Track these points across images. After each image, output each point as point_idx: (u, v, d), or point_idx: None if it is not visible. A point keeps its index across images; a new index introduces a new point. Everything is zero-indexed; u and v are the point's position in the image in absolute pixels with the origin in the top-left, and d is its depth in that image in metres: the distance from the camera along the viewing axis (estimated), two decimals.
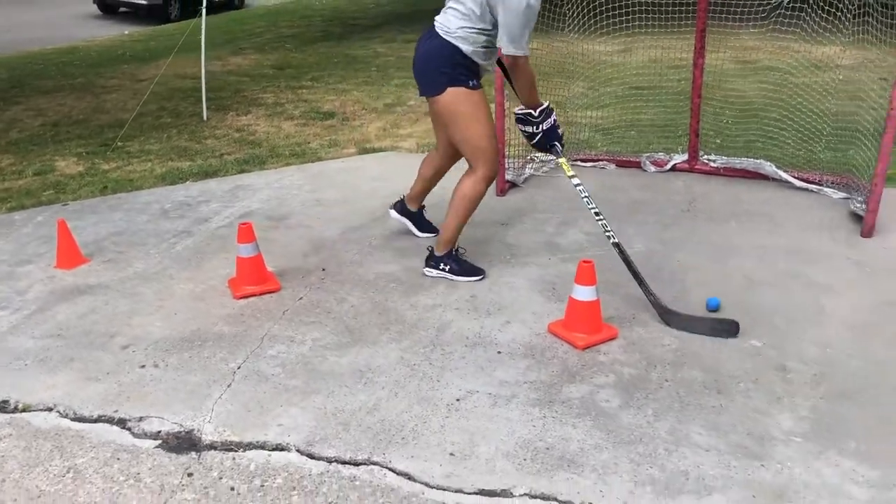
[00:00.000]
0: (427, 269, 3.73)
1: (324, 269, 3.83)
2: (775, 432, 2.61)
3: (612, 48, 6.89)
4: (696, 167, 5.04)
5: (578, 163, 5.29)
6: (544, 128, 3.49)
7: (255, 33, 13.72)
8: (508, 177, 4.87)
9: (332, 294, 3.58)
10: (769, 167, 4.82)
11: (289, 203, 4.78)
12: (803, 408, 2.73)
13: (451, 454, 2.52)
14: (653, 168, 5.11)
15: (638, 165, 5.17)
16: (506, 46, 3.22)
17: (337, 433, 2.62)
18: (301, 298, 3.55)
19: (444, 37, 3.34)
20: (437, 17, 3.42)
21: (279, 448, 2.55)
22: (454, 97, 3.40)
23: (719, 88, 5.93)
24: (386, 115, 7.25)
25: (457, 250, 3.75)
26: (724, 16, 5.26)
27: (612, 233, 3.42)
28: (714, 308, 3.33)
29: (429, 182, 4.01)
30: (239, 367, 3.01)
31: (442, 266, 3.69)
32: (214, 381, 2.93)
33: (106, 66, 10.45)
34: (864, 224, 4.05)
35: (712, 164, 5.02)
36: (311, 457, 2.51)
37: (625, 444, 2.56)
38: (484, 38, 3.33)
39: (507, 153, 4.81)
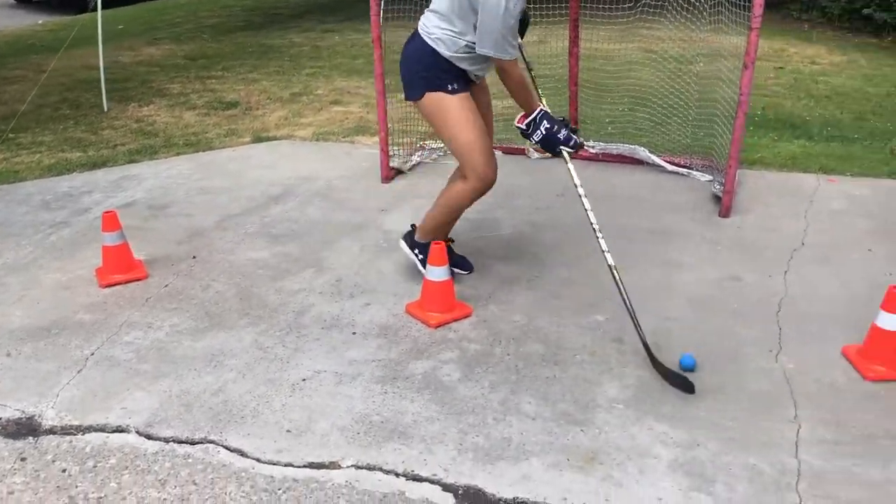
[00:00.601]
0: (402, 241, 3.62)
1: (194, 257, 3.87)
2: (600, 400, 2.76)
3: (527, 39, 6.96)
4: (577, 154, 5.19)
5: None
6: (535, 139, 3.32)
7: (174, 23, 13.50)
8: (394, 164, 4.96)
9: (199, 281, 3.63)
10: (643, 152, 5.01)
11: (173, 192, 4.79)
12: (631, 377, 2.90)
13: (288, 431, 2.60)
14: (536, 155, 5.26)
15: (523, 152, 5.30)
16: (487, 50, 3.07)
17: (178, 414, 2.68)
18: (167, 285, 3.59)
19: (424, 38, 3.21)
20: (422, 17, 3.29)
21: (119, 430, 2.61)
22: (432, 103, 3.25)
23: (625, 77, 6.08)
24: (290, 104, 7.25)
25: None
26: (607, 5, 5.40)
27: (608, 254, 3.23)
28: (688, 367, 2.93)
29: None
30: (92, 354, 3.04)
31: (417, 252, 3.57)
32: (65, 367, 2.96)
33: (14, 56, 10.18)
34: (722, 205, 4.25)
35: (591, 151, 5.19)
36: (149, 437, 2.57)
37: (456, 415, 2.68)
38: (464, 42, 3.15)
39: (390, 141, 4.90)
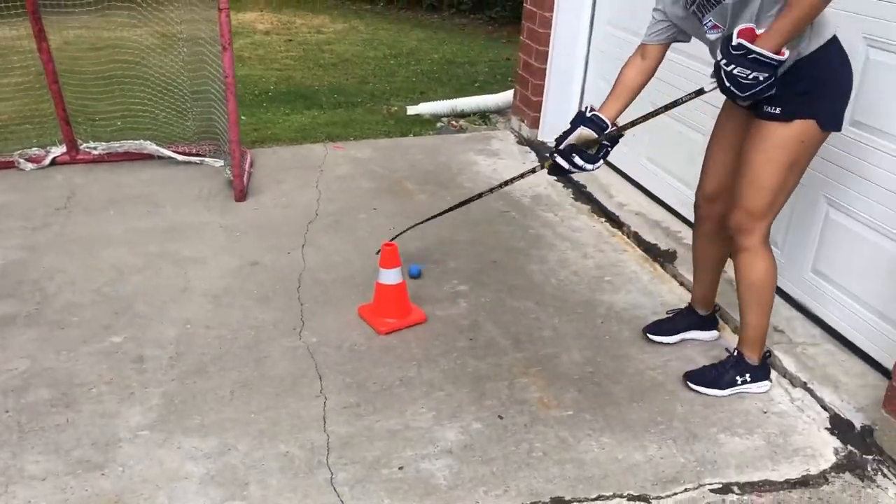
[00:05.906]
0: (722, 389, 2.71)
1: None
2: (122, 433, 2.52)
3: (17, 32, 5.96)
4: (79, 158, 4.70)
5: None
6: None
7: None
8: None
9: None
10: (151, 146, 4.72)
11: None
12: (155, 396, 2.70)
13: None
14: (31, 166, 4.62)
15: (13, 166, 4.62)
16: None
17: None
18: None
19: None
20: None
21: None
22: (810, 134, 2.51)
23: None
24: None
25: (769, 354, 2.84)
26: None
27: None
28: (415, 274, 3.44)
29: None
30: None
31: (747, 377, 2.73)
32: None
33: None
34: (234, 189, 4.20)
35: (95, 153, 4.73)
36: None
37: None
38: None
39: None
